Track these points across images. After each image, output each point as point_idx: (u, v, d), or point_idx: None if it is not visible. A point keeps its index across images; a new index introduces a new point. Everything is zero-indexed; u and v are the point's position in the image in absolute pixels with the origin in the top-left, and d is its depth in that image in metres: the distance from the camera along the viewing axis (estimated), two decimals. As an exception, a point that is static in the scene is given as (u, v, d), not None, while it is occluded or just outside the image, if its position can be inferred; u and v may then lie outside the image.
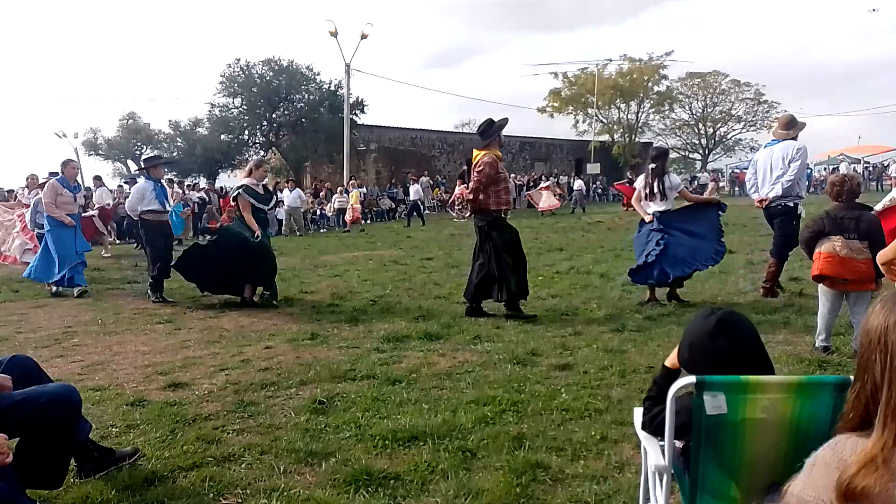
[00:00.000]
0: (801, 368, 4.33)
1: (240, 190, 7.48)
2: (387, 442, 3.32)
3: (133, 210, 8.17)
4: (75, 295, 8.44)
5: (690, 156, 53.67)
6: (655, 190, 6.67)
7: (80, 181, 11.10)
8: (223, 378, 4.55)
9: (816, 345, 4.74)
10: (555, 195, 26.18)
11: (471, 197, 6.23)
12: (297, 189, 21.23)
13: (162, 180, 8.63)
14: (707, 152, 50.93)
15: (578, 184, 29.11)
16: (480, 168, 6.20)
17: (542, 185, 27.09)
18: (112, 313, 7.24)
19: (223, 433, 3.55)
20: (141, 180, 8.40)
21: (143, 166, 8.66)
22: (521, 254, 6.47)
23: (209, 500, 2.81)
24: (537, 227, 18.50)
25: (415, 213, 22.78)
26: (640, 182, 6.96)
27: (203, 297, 8.10)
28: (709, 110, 49.36)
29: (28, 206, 10.76)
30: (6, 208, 11.61)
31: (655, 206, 6.73)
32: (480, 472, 2.99)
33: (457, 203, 23.85)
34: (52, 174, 11.03)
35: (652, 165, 6.81)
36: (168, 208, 8.53)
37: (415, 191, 23.88)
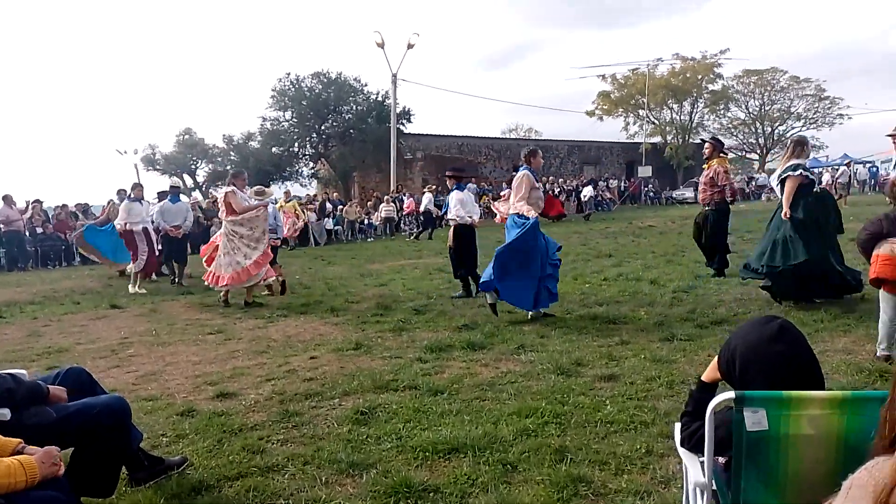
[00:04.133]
0: (861, 379, 4.12)
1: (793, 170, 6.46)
2: (427, 454, 3.32)
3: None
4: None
5: (748, 156, 52.07)
6: None
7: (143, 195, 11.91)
8: (269, 388, 4.64)
9: (878, 353, 4.50)
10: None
11: None
12: None
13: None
14: (765, 152, 49.29)
15: (587, 191, 28.45)
16: None
17: (503, 193, 25.47)
18: (166, 324, 7.50)
19: (268, 443, 3.61)
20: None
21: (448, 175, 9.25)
22: None
23: (252, 509, 2.86)
24: (585, 233, 18.26)
25: (429, 226, 21.31)
26: None
27: (253, 307, 8.32)
28: (766, 108, 47.77)
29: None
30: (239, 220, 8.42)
31: None
32: (521, 486, 2.95)
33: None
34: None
35: None
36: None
37: (427, 200, 21.90)
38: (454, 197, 8.66)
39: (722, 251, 8.84)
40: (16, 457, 2.01)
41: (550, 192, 26.29)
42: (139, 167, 32.67)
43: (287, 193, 18.48)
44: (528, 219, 6.47)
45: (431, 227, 21.37)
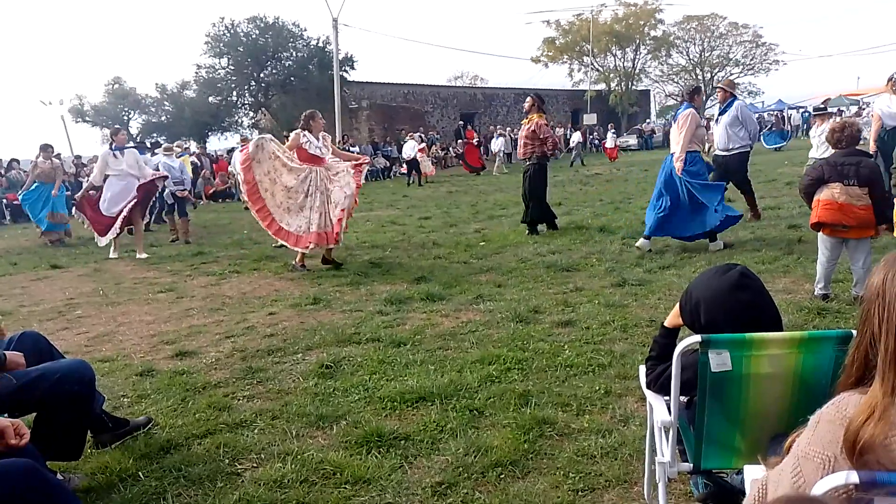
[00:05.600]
0: (801, 317, 4.38)
1: None
2: (395, 403, 3.38)
3: None
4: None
5: (687, 102, 53.09)
6: None
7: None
8: (229, 345, 4.60)
9: (816, 292, 4.79)
10: (432, 161, 23.73)
11: None
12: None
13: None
14: (705, 98, 50.35)
15: (576, 136, 28.67)
16: None
17: (418, 146, 23.02)
18: (113, 283, 7.27)
19: (234, 400, 3.61)
20: None
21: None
22: None
23: (225, 465, 2.87)
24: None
25: (413, 171, 21.73)
26: None
27: (203, 263, 8.15)
28: (706, 55, 48.59)
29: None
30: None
31: None
32: (488, 430, 3.05)
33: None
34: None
35: None
36: None
37: (410, 147, 22.02)
38: None
39: (542, 205, 9.02)
40: None
41: (471, 143, 25.92)
42: (66, 119, 30.92)
43: (180, 146, 15.49)
44: (697, 152, 6.92)
45: (418, 173, 21.62)
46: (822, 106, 10.11)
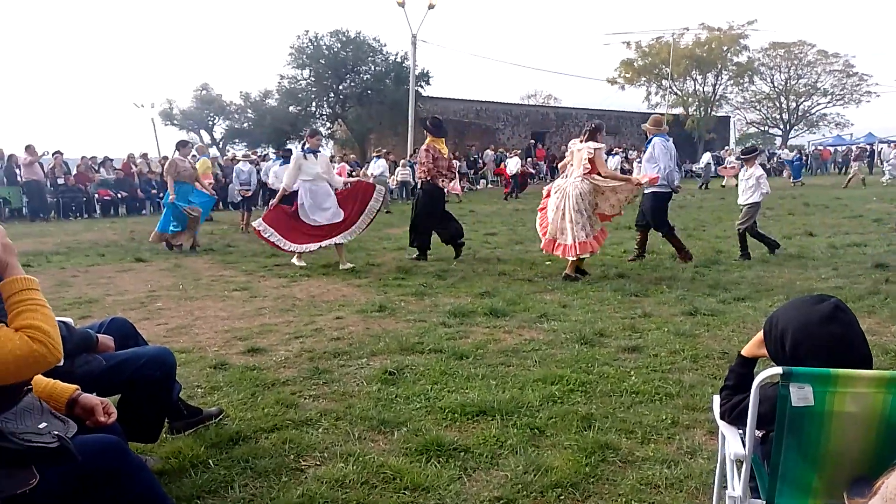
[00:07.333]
0: (887, 360, 4.14)
1: None
2: (456, 415, 3.40)
3: None
4: None
5: (770, 131, 51.18)
6: None
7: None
8: (298, 345, 4.74)
9: (903, 336, 4.52)
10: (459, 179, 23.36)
11: None
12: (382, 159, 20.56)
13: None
14: (788, 128, 48.43)
15: (705, 157, 28.26)
16: None
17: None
18: (191, 279, 7.62)
19: (300, 398, 3.72)
20: None
21: None
22: None
23: (290, 461, 2.96)
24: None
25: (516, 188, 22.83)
26: None
27: (276, 266, 8.43)
28: (792, 83, 46.78)
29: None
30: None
31: None
32: (549, 450, 3.03)
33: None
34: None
35: None
36: None
37: (514, 164, 23.95)
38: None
39: (422, 233, 8.62)
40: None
41: (525, 168, 25.66)
42: (156, 121, 32.70)
43: (200, 149, 14.24)
44: None
45: (516, 188, 22.94)
46: (750, 148, 9.57)
